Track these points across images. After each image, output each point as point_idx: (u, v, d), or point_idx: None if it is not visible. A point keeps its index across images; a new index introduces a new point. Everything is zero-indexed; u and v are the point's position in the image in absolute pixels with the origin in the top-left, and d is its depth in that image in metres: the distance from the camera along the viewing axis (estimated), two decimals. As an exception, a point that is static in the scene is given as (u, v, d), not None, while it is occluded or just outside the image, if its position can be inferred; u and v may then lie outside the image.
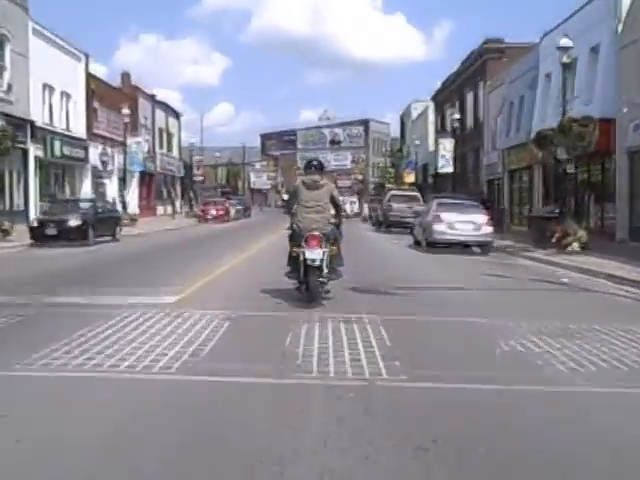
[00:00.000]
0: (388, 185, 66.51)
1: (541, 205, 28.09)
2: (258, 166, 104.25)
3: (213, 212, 44.11)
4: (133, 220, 33.52)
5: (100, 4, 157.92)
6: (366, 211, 50.00)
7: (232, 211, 48.79)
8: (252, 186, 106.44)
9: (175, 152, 56.84)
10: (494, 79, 36.48)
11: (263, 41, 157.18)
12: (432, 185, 52.15)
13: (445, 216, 18.86)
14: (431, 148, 55.73)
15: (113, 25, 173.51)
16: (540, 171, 28.26)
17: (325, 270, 8.40)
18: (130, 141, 35.83)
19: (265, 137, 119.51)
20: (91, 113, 36.32)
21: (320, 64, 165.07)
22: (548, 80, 27.09)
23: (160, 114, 51.57)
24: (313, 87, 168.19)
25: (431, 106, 57.36)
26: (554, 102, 25.10)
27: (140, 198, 45.71)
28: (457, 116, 33.41)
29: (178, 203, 56.79)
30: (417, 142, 50.12)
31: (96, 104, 37.35)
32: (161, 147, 52.38)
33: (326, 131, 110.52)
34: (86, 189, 35.27)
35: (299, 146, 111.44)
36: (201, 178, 55.76)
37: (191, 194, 52.94)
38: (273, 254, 14.57)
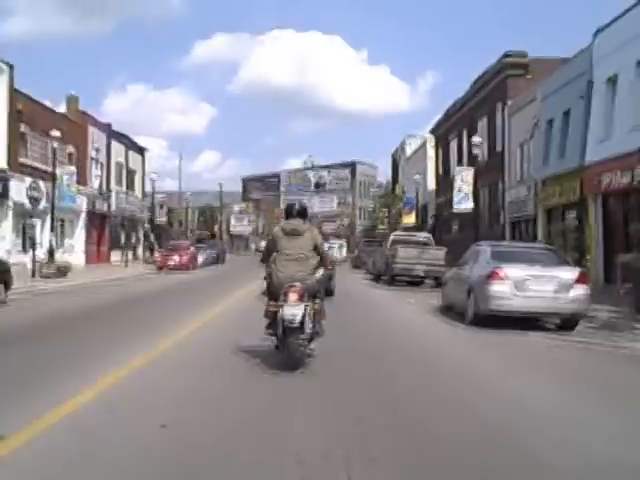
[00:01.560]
0: (381, 227, 59.64)
1: (601, 251, 20.90)
2: (237, 209, 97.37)
3: (175, 259, 36.44)
4: (61, 270, 25.85)
5: (88, 54, 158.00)
6: (357, 257, 42.75)
7: (200, 258, 41.31)
8: (232, 230, 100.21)
9: (138, 192, 49.43)
10: (518, 98, 29.69)
11: (250, 91, 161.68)
12: (433, 228, 45.04)
13: (511, 272, 11.47)
14: (430, 187, 48.91)
15: (101, 74, 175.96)
16: (599, 206, 21.09)
17: (308, 329, 7.16)
18: (60, 171, 28.20)
19: (247, 180, 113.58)
20: (15, 138, 28.91)
21: (305, 114, 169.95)
22: (611, 85, 20.21)
23: (118, 147, 44.29)
24: (298, 136, 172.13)
25: (430, 140, 50.69)
26: (625, 112, 18.17)
27: (87, 243, 38.04)
28: (479, 140, 26.39)
29: (141, 249, 49.22)
30: (417, 177, 43.09)
31: (24, 128, 30.02)
32: (120, 184, 44.99)
33: (311, 174, 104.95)
34: (4, 232, 27.69)
35: (282, 189, 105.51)
36: (164, 219, 48.16)
37: (152, 238, 45.29)
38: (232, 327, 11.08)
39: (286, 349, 7.21)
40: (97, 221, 39.95)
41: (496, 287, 11.39)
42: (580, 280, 11.54)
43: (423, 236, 27.50)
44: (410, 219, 44.55)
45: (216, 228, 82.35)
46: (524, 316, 11.72)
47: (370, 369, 7.77)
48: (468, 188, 27.33)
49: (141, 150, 50.71)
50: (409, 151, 60.61)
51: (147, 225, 48.17)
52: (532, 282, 11.36)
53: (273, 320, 7.37)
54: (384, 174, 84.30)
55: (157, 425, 4.93)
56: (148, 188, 49.15)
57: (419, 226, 43.06)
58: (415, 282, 24.87)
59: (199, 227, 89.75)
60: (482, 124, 35.80)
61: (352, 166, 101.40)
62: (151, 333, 10.12)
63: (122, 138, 45.37)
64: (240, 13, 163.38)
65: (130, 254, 46.37)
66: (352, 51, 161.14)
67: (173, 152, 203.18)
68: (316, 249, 7.61)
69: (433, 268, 23.87)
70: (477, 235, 26.60)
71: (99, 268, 34.96)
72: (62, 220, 35.38)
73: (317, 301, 7.50)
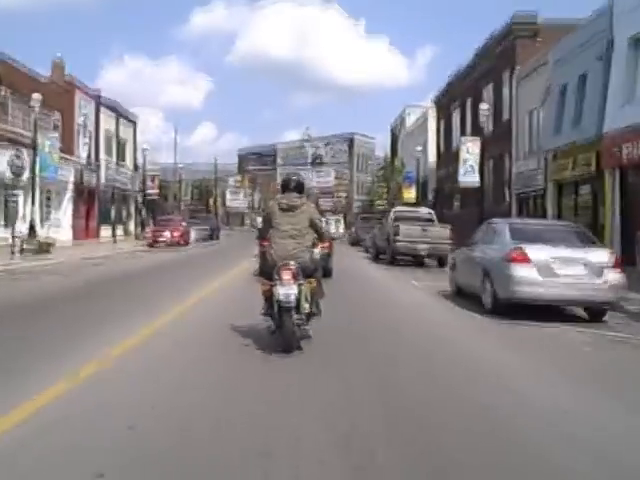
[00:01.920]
0: (378, 202, 58.05)
1: (617, 229, 19.47)
2: (232, 182, 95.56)
3: (166, 235, 35.10)
4: (43, 247, 24.38)
5: (84, 25, 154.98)
6: (354, 233, 41.32)
7: (193, 234, 39.88)
8: (228, 204, 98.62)
9: (129, 163, 47.73)
10: (527, 63, 28.00)
11: (247, 64, 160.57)
12: (433, 203, 43.51)
13: (534, 253, 10.02)
14: (431, 160, 47.27)
15: (97, 45, 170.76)
16: (617, 180, 19.60)
17: (305, 308, 6.93)
18: (41, 138, 26.51)
19: (243, 154, 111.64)
20: (-6, 104, 27.27)
21: (304, 87, 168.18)
22: (634, 45, 18.60)
23: (107, 116, 42.49)
24: (297, 110, 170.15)
25: (432, 111, 48.92)
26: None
27: (75, 217, 36.47)
28: (486, 107, 24.73)
29: (132, 224, 47.70)
30: (419, 148, 41.40)
31: (5, 93, 28.31)
32: (109, 155, 43.30)
33: (308, 147, 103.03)
34: (-18, 205, 26.17)
35: (279, 162, 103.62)
36: (155, 191, 46.49)
37: (143, 213, 43.76)
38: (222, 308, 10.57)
39: (280, 329, 6.92)
40: (85, 194, 38.33)
41: (518, 271, 9.94)
42: (614, 264, 10.10)
43: (426, 212, 25.97)
44: (410, 194, 42.94)
45: (211, 202, 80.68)
46: (549, 304, 10.32)
47: (371, 359, 6.96)
48: (474, 160, 25.75)
49: (132, 120, 48.88)
50: (409, 123, 58.79)
51: (139, 199, 46.64)
52: (559, 265, 9.92)
53: (269, 299, 7.06)
54: (382, 148, 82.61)
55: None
56: (141, 160, 47.62)
57: (419, 201, 41.52)
58: (417, 261, 23.47)
59: (194, 202, 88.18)
60: (488, 92, 34.09)
61: (350, 139, 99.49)
62: (127, 322, 8.71)
63: (112, 106, 43.52)
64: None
65: (121, 229, 45.05)
66: (351, 21, 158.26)
67: (170, 124, 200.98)
68: (313, 225, 7.31)
69: (437, 247, 22.45)
70: (482, 211, 25.15)
71: (86, 244, 33.49)
72: (48, 192, 33.81)
73: (313, 280, 7.12)
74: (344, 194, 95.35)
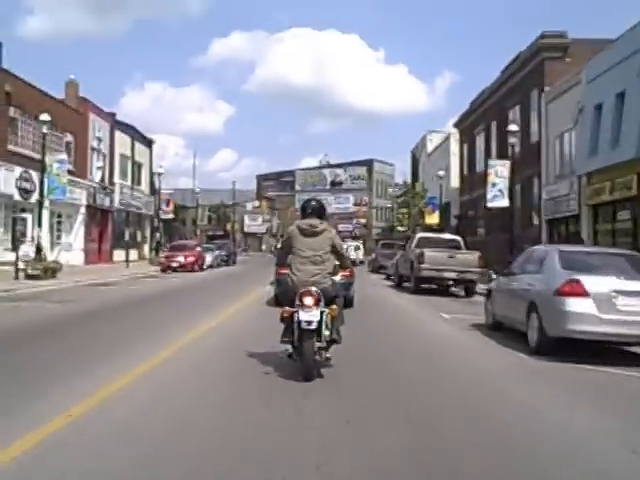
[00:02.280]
0: (400, 229, 56.60)
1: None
2: (250, 207, 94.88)
3: (180, 259, 33.88)
4: (49, 271, 23.25)
5: (105, 51, 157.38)
6: (374, 260, 39.82)
7: (209, 258, 38.70)
8: (246, 230, 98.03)
9: (145, 186, 46.90)
10: (557, 83, 26.70)
11: (266, 91, 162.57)
12: (456, 229, 42.00)
13: (591, 284, 8.55)
14: (454, 184, 45.87)
15: (119, 72, 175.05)
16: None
17: (326, 333, 6.87)
18: (50, 159, 25.57)
19: (262, 178, 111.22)
20: (3, 123, 26.40)
21: (322, 113, 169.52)
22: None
23: (123, 138, 41.75)
24: (315, 136, 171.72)
25: (454, 135, 47.66)
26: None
27: (87, 240, 35.51)
28: (515, 128, 23.40)
29: (147, 247, 46.67)
30: (441, 173, 40.07)
31: (14, 113, 27.51)
32: (124, 178, 42.48)
33: (327, 172, 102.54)
34: (-11, 227, 25.23)
35: (297, 188, 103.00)
36: (170, 216, 45.52)
37: (157, 236, 42.73)
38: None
39: (301, 356, 6.83)
40: (98, 217, 37.45)
41: (574, 306, 8.51)
42: None
43: (452, 238, 24.55)
44: (433, 219, 41.53)
45: (229, 227, 79.86)
46: (607, 341, 8.87)
47: (400, 395, 6.38)
48: (503, 183, 24.35)
49: (149, 142, 48.22)
50: (430, 147, 57.58)
51: (155, 223, 45.65)
52: (621, 299, 8.48)
53: (289, 326, 6.96)
54: (401, 174, 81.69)
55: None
56: (157, 183, 46.77)
57: (442, 227, 40.06)
58: (441, 290, 22.04)
59: (212, 226, 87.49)
60: (514, 114, 32.75)
61: (369, 164, 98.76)
62: (103, 364, 7.39)
63: (127, 129, 42.86)
64: (258, 11, 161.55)
65: (136, 253, 44.04)
66: (370, 50, 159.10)
67: (189, 150, 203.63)
68: (335, 251, 7.21)
69: (465, 275, 21.03)
70: (512, 237, 23.67)
71: (98, 268, 32.40)
72: (59, 215, 32.95)
73: (334, 307, 7.00)
74: (363, 220, 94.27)
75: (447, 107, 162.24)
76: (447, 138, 49.35)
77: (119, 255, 39.55)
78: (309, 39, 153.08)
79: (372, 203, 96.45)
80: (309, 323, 6.65)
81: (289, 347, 7.09)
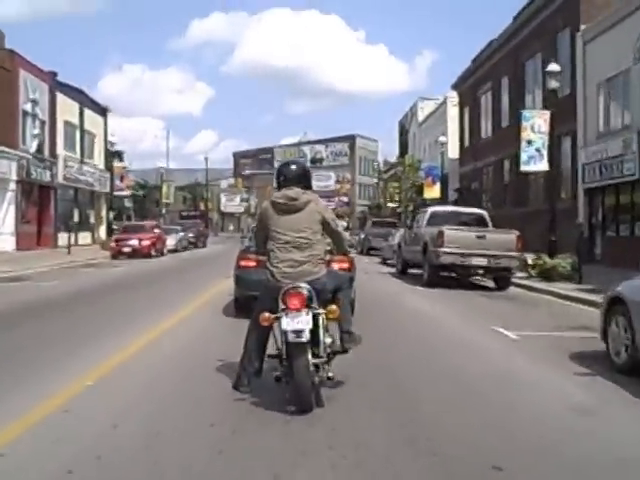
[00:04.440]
0: (390, 205, 51.00)
1: None
2: (226, 184, 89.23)
3: (133, 243, 28.17)
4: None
5: (82, 34, 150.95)
6: (364, 240, 34.18)
7: (171, 241, 32.96)
8: (223, 209, 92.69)
9: (98, 160, 40.70)
10: (599, 18, 21.12)
11: (246, 71, 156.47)
12: (454, 205, 36.50)
13: None
14: (452, 154, 40.17)
15: (96, 55, 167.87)
16: None
17: (327, 343, 5.17)
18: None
19: (239, 156, 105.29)
20: None
21: (303, 94, 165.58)
22: None
23: (67, 103, 35.42)
24: (296, 116, 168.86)
25: (451, 99, 42.04)
26: None
27: (21, 222, 29.45)
28: (557, 68, 17.68)
29: (103, 230, 40.60)
30: (443, 138, 34.36)
31: None
32: (71, 150, 36.31)
33: (307, 149, 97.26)
34: None
35: (276, 165, 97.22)
36: (126, 193, 39.50)
37: (110, 216, 36.76)
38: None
39: (291, 378, 4.90)
40: (35, 194, 31.34)
41: None
42: None
43: (474, 211, 18.98)
44: (433, 192, 35.98)
45: (202, 206, 74.08)
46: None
47: None
48: (542, 141, 18.71)
49: (102, 110, 41.88)
50: (422, 116, 51.99)
51: (111, 201, 39.62)
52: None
53: (257, 345, 5.25)
54: (384, 153, 76.65)
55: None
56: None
57: (442, 202, 34.61)
58: (457, 278, 16.54)
59: (188, 206, 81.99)
60: (533, 65, 27.27)
61: (351, 140, 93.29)
62: None
63: (74, 92, 36.57)
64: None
65: (89, 237, 38.13)
66: (350, 31, 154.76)
67: (170, 133, 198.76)
68: (327, 229, 5.42)
69: (500, 261, 15.51)
70: (554, 210, 18.11)
71: (28, 256, 26.39)
72: None
73: (333, 307, 5.06)
74: (345, 198, 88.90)
75: (428, 86, 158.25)
76: (443, 103, 43.72)
77: (66, 239, 33.69)
78: (289, 20, 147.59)
79: (355, 180, 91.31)
80: (298, 334, 4.84)
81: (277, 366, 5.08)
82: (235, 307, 10.02)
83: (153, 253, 28.55)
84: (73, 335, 8.13)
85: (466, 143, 38.56)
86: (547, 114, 18.61)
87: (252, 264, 9.35)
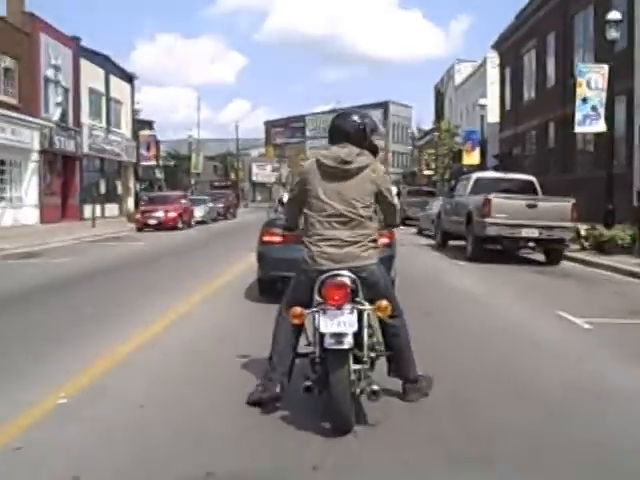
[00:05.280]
0: (426, 173, 49.20)
1: None
2: (256, 154, 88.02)
3: (159, 215, 27.26)
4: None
5: (114, 4, 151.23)
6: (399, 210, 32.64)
7: (198, 212, 31.95)
8: (254, 179, 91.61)
9: (125, 129, 39.68)
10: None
11: (279, 39, 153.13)
12: (495, 171, 34.59)
13: None
14: (491, 119, 38.11)
15: (129, 25, 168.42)
16: None
17: (379, 349, 4.25)
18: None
19: (270, 125, 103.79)
20: None
21: (336, 61, 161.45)
22: None
23: (92, 69, 34.34)
24: (328, 84, 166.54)
25: (492, 59, 39.86)
26: None
27: (45, 193, 28.64)
28: (617, 16, 15.84)
29: (131, 201, 39.78)
30: (483, 101, 32.40)
31: None
32: (97, 118, 35.34)
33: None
34: None
35: (308, 134, 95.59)
36: (152, 163, 38.46)
37: (137, 187, 35.81)
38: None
39: (328, 392, 3.85)
40: (59, 165, 30.43)
41: None
42: None
43: (523, 178, 17.35)
44: (473, 158, 34.14)
45: (233, 176, 72.99)
46: None
47: None
48: (599, 98, 16.85)
49: (129, 77, 40.75)
50: (459, 79, 49.75)
51: (138, 171, 38.63)
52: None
53: (284, 347, 4.17)
54: (417, 121, 74.30)
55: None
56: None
57: (481, 169, 32.77)
58: (501, 252, 15.06)
59: (219, 177, 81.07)
60: (584, 19, 25.18)
61: (384, 106, 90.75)
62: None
63: (99, 58, 35.44)
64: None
65: (116, 208, 37.33)
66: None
67: (202, 103, 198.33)
68: (382, 201, 4.24)
69: (553, 232, 13.98)
70: (611, 176, 16.42)
71: (53, 229, 25.59)
72: (1, 162, 26.04)
73: (384, 303, 3.93)
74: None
75: (463, 52, 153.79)
76: (483, 64, 41.52)
77: (93, 211, 32.88)
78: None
79: (388, 148, 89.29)
80: (339, 339, 3.77)
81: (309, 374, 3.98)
82: (259, 289, 8.79)
83: (180, 225, 27.64)
84: (45, 332, 6.88)
85: (507, 106, 36.50)
86: (604, 68, 16.74)
87: (277, 239, 8.24)
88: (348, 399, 3.85)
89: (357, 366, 3.95)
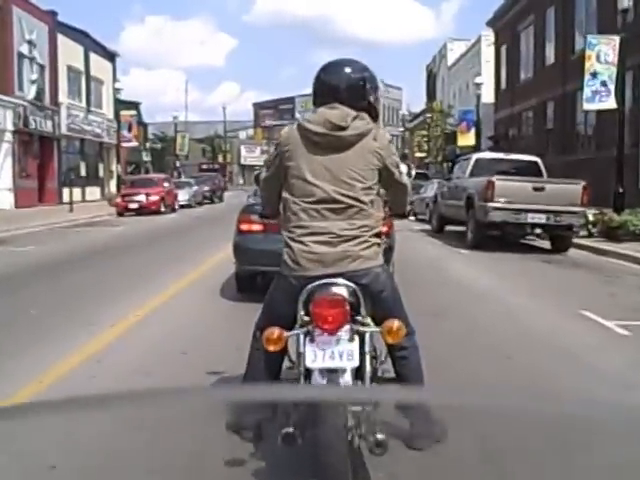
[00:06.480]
0: (418, 155, 47.99)
1: None
2: (244, 135, 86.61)
3: (140, 198, 26.00)
4: None
5: None
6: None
7: (183, 195, 30.73)
8: (243, 162, 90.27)
9: (105, 109, 38.18)
10: None
11: (269, 21, 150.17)
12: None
13: None
14: (486, 99, 36.90)
15: (117, 6, 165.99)
16: None
17: (372, 370, 2.85)
18: None
19: (259, 107, 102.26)
20: None
21: (325, 43, 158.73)
22: None
23: (71, 46, 32.79)
24: (318, 66, 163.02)
25: (486, 37, 38.60)
26: None
27: (19, 175, 27.26)
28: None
29: (114, 184, 38.37)
30: (479, 80, 31.22)
31: None
32: (76, 98, 33.86)
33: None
34: None
35: (297, 116, 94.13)
36: (134, 144, 37.04)
37: (117, 169, 34.46)
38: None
39: (316, 439, 2.36)
40: (35, 146, 29.03)
41: None
42: None
43: (526, 158, 16.23)
44: (468, 139, 32.98)
45: (221, 159, 71.61)
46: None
47: None
48: (609, 72, 15.61)
49: (111, 55, 39.20)
50: (452, 58, 48.46)
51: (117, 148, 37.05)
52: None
53: (274, 369, 2.96)
54: (408, 103, 73.11)
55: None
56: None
57: (476, 150, 31.66)
58: (505, 238, 13.94)
59: (208, 159, 79.73)
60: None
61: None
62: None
63: (78, 34, 33.88)
64: None
65: (97, 191, 35.98)
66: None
67: (191, 85, 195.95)
68: (388, 178, 3.01)
69: (561, 218, 12.89)
70: (622, 156, 15.33)
71: (26, 213, 24.23)
72: None
73: (395, 323, 2.74)
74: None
75: (454, 33, 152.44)
76: (477, 42, 40.25)
77: (73, 194, 31.54)
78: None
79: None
80: (334, 377, 2.68)
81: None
82: (237, 286, 7.64)
83: (162, 209, 26.41)
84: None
85: (502, 86, 35.33)
86: (616, 40, 15.55)
87: (257, 228, 7.10)
88: (343, 451, 2.67)
89: (356, 407, 2.75)
